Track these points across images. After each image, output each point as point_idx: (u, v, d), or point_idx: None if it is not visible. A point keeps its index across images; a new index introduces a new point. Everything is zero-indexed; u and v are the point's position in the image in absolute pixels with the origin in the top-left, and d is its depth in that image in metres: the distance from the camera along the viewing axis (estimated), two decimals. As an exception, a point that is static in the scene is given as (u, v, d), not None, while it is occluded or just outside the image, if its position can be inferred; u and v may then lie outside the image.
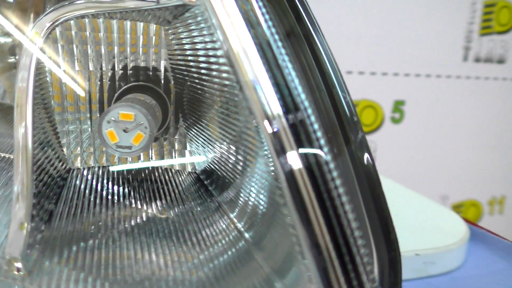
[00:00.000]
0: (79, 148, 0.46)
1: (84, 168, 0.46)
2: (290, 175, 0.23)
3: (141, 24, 0.45)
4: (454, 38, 2.06)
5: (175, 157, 0.50)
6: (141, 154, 0.49)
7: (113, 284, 0.29)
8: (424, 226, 0.62)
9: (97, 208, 0.41)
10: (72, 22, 0.43)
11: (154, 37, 0.46)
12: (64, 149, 0.45)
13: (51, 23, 0.38)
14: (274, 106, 0.24)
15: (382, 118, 2.01)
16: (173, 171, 0.49)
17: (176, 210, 0.43)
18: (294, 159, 0.23)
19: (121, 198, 0.42)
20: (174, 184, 0.48)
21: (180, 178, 0.49)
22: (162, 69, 0.48)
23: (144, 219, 0.39)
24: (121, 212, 0.42)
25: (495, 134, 2.22)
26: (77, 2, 0.36)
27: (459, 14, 2.02)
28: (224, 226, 0.38)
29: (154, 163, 0.49)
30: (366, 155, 0.30)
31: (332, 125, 0.31)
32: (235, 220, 0.38)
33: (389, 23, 1.94)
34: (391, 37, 1.94)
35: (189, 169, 0.50)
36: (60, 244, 0.33)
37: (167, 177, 0.48)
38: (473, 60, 2.08)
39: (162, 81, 0.48)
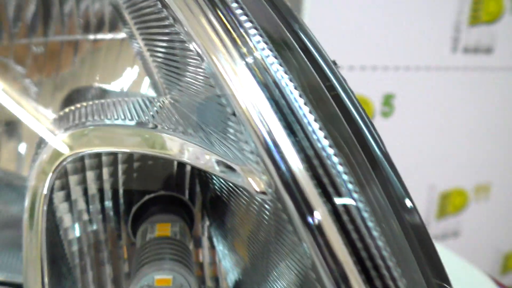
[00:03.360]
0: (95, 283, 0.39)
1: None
2: None
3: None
4: (443, 29, 2.02)
5: (203, 270, 0.44)
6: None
7: None
8: None
9: None
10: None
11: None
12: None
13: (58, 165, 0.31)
14: None
15: (373, 113, 1.98)
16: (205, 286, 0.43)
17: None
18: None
19: None
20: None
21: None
22: (188, 175, 0.41)
23: None
24: None
25: (482, 123, 2.24)
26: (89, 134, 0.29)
27: (448, 5, 1.98)
28: None
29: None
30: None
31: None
32: None
33: (378, 16, 1.87)
34: (380, 30, 1.89)
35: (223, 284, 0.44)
36: None
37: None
38: (462, 51, 2.06)
39: (187, 189, 0.42)
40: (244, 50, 0.22)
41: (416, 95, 2.04)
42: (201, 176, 0.40)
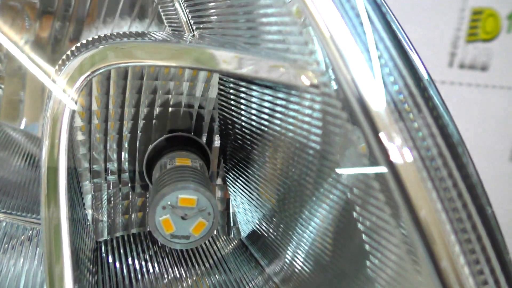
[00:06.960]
0: (105, 218, 0.38)
1: (112, 239, 0.39)
2: None
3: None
4: (441, 43, 2.06)
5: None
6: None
7: None
8: None
9: (127, 282, 0.35)
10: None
11: (202, 84, 0.38)
12: (90, 220, 0.37)
13: (87, 75, 0.30)
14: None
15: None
16: (213, 236, 0.42)
17: (217, 277, 0.37)
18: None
19: (155, 268, 0.36)
20: (213, 250, 0.41)
21: (220, 243, 0.42)
22: (207, 119, 0.41)
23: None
24: (157, 283, 0.35)
25: (473, 138, 2.26)
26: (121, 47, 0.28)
27: (447, 20, 2.02)
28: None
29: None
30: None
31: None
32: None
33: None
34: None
35: (232, 233, 0.43)
36: None
37: (206, 242, 0.42)
38: (458, 66, 2.09)
39: (206, 132, 0.41)
40: None
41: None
42: (224, 118, 0.40)
